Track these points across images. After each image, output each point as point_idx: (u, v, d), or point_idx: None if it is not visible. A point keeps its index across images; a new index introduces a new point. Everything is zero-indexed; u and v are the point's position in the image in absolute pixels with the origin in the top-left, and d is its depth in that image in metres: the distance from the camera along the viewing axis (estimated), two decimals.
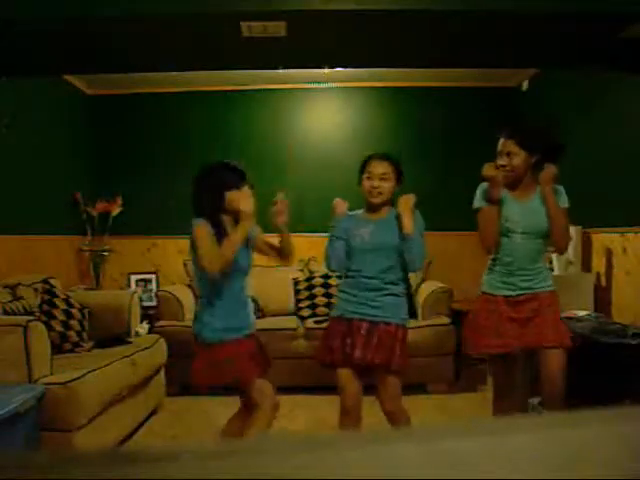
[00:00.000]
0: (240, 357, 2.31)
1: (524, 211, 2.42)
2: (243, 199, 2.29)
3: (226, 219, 2.35)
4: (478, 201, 2.48)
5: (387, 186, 2.43)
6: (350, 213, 2.56)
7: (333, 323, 2.50)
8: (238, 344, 2.32)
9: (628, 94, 3.56)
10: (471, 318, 2.54)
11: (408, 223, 2.37)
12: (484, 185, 2.47)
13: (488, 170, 2.39)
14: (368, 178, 2.45)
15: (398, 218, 2.43)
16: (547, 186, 2.39)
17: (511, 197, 2.46)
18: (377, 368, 2.40)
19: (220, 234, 2.28)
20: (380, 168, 2.43)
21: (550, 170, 2.39)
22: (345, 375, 2.42)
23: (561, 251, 2.59)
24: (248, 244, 2.39)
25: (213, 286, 2.30)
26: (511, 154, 2.39)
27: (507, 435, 0.34)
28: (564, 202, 2.44)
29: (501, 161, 2.41)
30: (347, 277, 2.50)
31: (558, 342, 2.39)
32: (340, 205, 2.54)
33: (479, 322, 2.46)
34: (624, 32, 2.72)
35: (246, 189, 2.36)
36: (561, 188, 2.45)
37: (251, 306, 2.46)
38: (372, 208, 2.49)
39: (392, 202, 2.51)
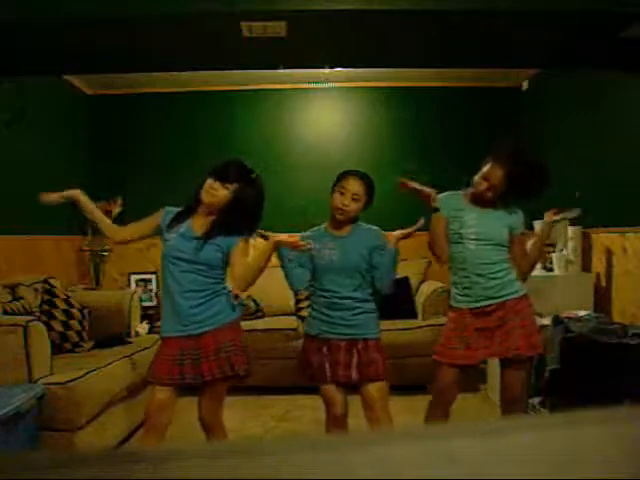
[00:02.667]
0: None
1: (481, 218, 2.42)
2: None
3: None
4: (439, 205, 2.49)
5: (356, 207, 2.39)
6: (310, 233, 2.51)
7: (310, 342, 2.47)
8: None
9: (628, 94, 3.56)
10: (443, 329, 2.54)
11: (394, 237, 2.36)
12: (441, 196, 2.49)
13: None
14: (341, 194, 2.38)
15: (366, 233, 2.43)
16: (549, 223, 2.54)
17: (469, 204, 2.46)
18: (362, 381, 2.41)
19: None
20: (355, 187, 2.38)
21: (560, 212, 2.48)
22: (329, 389, 2.43)
23: (524, 276, 2.54)
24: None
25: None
26: (499, 181, 2.36)
27: (507, 435, 0.34)
28: (519, 229, 2.47)
29: (483, 187, 2.38)
30: (318, 296, 2.47)
31: (524, 351, 2.37)
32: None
33: (447, 333, 2.47)
34: (624, 32, 2.72)
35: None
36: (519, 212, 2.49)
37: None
38: (336, 224, 2.46)
39: (356, 218, 2.48)
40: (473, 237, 2.39)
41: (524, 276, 2.51)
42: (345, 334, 2.41)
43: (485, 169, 2.41)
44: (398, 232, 2.39)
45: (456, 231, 2.42)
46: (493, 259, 2.41)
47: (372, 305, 2.48)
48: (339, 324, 2.41)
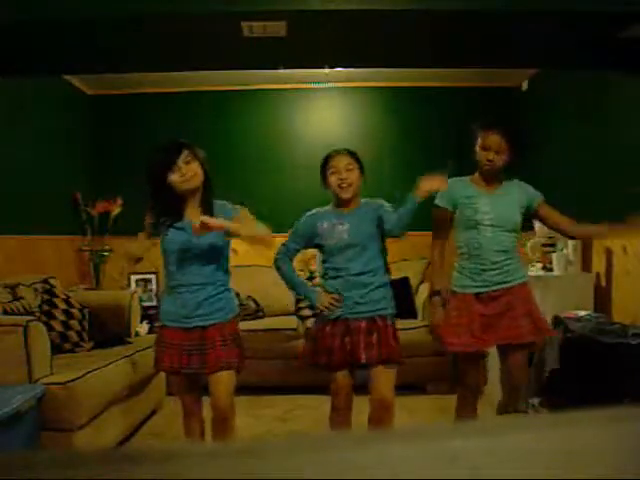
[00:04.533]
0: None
1: (494, 203, 2.42)
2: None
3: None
4: (439, 199, 2.50)
5: (354, 176, 2.41)
6: (315, 211, 2.51)
7: (327, 325, 2.44)
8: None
9: (628, 94, 3.56)
10: (445, 316, 2.50)
11: (422, 191, 2.26)
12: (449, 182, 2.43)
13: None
14: (333, 173, 2.41)
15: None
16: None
17: (479, 190, 2.47)
18: (379, 363, 2.39)
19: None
20: (343, 161, 2.42)
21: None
22: (343, 376, 2.42)
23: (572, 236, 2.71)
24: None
25: None
26: (500, 151, 2.40)
27: (507, 435, 0.34)
28: (540, 195, 2.52)
29: (489, 156, 2.41)
30: (331, 277, 2.46)
31: (534, 334, 2.39)
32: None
33: (452, 321, 2.44)
34: (624, 32, 2.72)
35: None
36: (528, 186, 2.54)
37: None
38: (342, 203, 2.45)
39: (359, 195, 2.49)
40: (489, 223, 2.39)
41: (572, 236, 2.64)
42: (363, 312, 2.39)
43: (480, 141, 2.44)
44: (427, 184, 2.26)
45: (471, 217, 2.41)
46: (508, 245, 2.42)
47: (386, 277, 2.46)
48: (357, 303, 2.39)
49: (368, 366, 2.41)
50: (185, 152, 2.22)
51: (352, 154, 2.46)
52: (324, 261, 2.51)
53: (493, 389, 3.42)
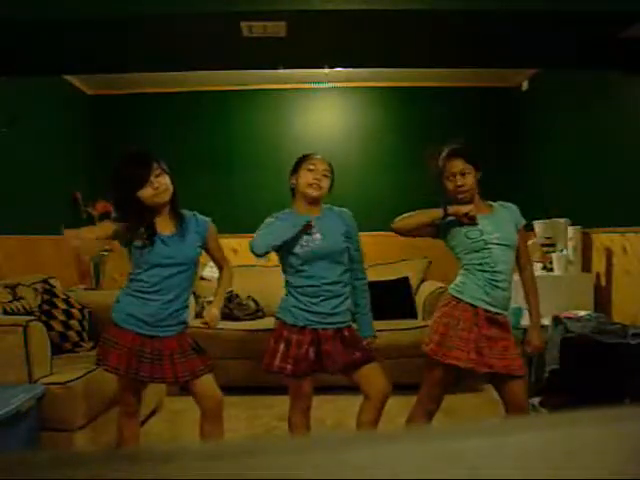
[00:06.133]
0: None
1: (495, 222, 2.36)
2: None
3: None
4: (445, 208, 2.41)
5: (327, 183, 2.40)
6: (280, 214, 2.42)
7: (292, 331, 2.35)
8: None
9: (628, 94, 3.56)
10: (446, 326, 2.33)
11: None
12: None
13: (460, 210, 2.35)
14: (310, 170, 2.37)
15: (336, 216, 2.42)
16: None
17: (478, 213, 2.39)
18: (353, 366, 2.38)
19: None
20: (323, 164, 2.40)
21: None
22: (308, 382, 2.41)
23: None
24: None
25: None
26: (464, 172, 2.33)
27: (507, 435, 0.34)
28: (522, 221, 2.42)
29: (458, 182, 2.34)
30: (303, 286, 2.37)
31: (517, 370, 2.28)
32: None
33: (458, 334, 2.28)
34: (623, 32, 2.72)
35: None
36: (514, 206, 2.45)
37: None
38: (306, 205, 2.40)
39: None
40: (496, 242, 2.32)
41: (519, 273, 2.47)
42: (333, 323, 2.37)
43: (445, 173, 2.35)
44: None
45: (478, 239, 2.33)
46: (512, 263, 2.37)
47: (348, 288, 2.45)
48: (329, 314, 2.35)
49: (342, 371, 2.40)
50: (154, 165, 2.21)
51: (328, 162, 2.45)
52: (291, 267, 2.41)
53: (493, 389, 3.42)
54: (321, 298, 2.35)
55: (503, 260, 2.34)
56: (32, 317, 2.77)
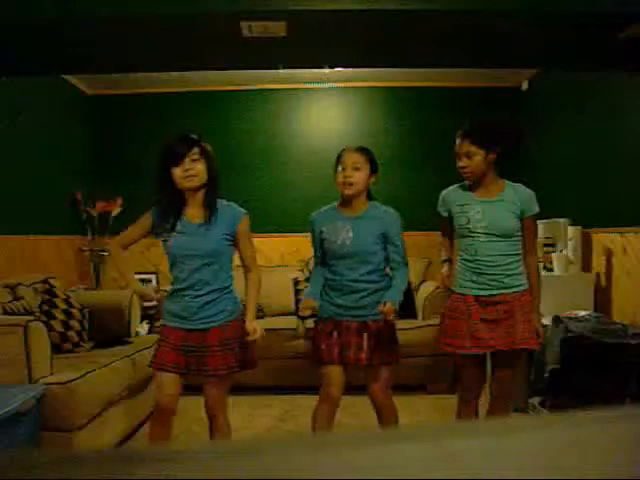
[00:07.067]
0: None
1: (487, 210, 2.37)
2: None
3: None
4: (439, 208, 2.53)
5: (359, 175, 2.37)
6: (317, 213, 2.51)
7: (321, 324, 2.48)
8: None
9: (628, 94, 3.56)
10: (444, 317, 2.49)
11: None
12: (443, 193, 2.52)
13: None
14: (342, 169, 2.39)
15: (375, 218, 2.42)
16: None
17: (473, 196, 2.42)
18: (370, 364, 2.40)
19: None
20: (352, 157, 2.39)
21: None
22: (333, 370, 2.42)
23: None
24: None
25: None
26: (470, 154, 2.35)
27: (507, 435, 0.34)
28: (533, 210, 2.42)
29: (461, 163, 2.38)
30: (328, 279, 2.46)
31: (531, 344, 2.37)
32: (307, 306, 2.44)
33: (452, 323, 2.42)
34: (623, 32, 2.72)
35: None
36: (533, 194, 2.44)
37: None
38: (346, 202, 2.44)
39: (369, 195, 2.47)
40: (482, 231, 2.36)
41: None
42: (356, 316, 2.40)
43: (455, 151, 2.41)
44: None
45: (464, 226, 2.40)
46: (504, 251, 2.38)
47: (383, 283, 2.43)
48: (351, 307, 2.40)
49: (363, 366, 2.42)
50: (195, 149, 2.20)
51: (363, 152, 2.42)
52: (323, 261, 2.51)
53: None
54: (342, 292, 2.41)
55: (488, 248, 2.36)
56: (32, 317, 2.77)
